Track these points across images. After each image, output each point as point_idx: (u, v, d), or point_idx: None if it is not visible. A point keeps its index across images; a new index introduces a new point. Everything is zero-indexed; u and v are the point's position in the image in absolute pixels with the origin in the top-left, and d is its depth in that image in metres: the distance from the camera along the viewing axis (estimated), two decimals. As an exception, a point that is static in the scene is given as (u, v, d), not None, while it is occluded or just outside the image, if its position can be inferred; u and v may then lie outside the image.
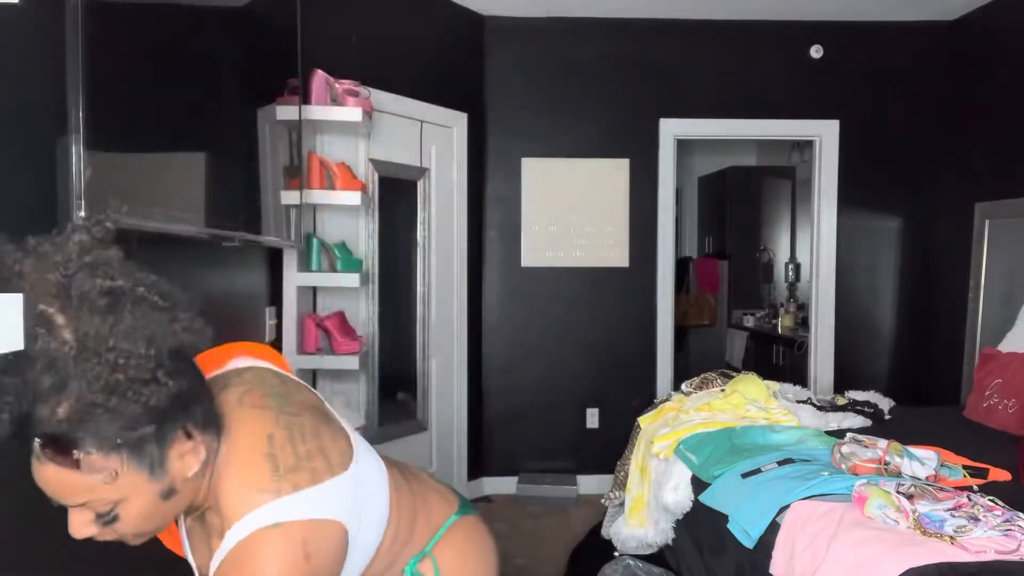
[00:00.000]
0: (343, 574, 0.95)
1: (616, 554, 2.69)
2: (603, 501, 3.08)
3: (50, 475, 0.78)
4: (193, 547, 1.03)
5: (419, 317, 3.73)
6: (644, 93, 4.17)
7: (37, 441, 0.76)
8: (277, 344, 2.79)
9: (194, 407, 0.85)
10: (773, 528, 1.90)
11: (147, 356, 0.77)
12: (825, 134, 4.18)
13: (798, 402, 2.90)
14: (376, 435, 3.45)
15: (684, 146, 5.18)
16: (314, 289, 3.14)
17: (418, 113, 3.62)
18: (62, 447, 0.76)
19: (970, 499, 1.74)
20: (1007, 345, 3.04)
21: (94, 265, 0.76)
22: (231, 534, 0.85)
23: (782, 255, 6.48)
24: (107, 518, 0.82)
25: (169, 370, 0.79)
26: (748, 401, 2.77)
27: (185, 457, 0.85)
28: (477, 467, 4.10)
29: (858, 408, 2.89)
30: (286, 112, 2.45)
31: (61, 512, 0.84)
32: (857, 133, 4.17)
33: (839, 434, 2.48)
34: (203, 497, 0.90)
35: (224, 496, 0.88)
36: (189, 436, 0.85)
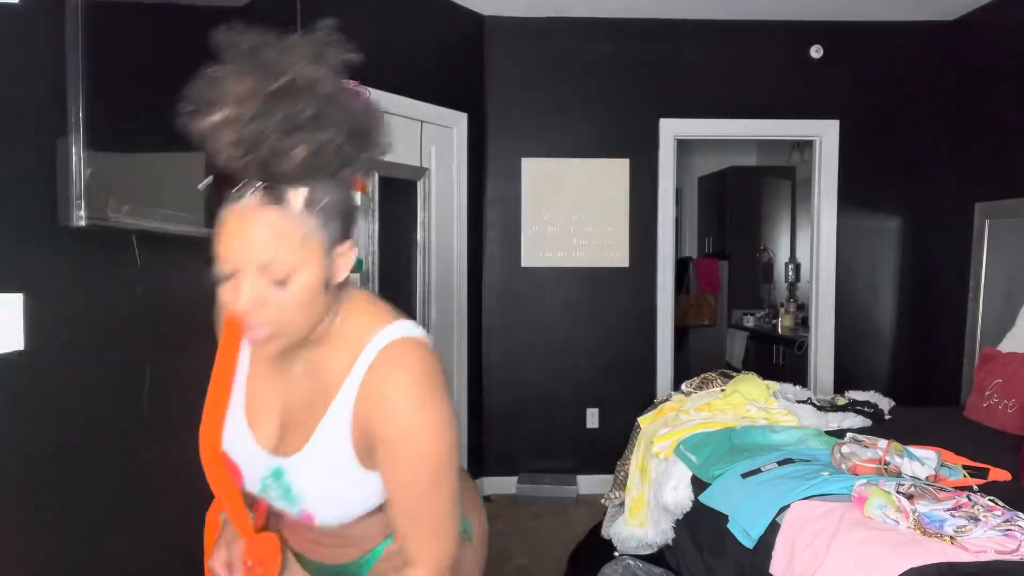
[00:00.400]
0: None
1: (616, 554, 2.69)
2: (603, 501, 3.08)
3: (259, 221, 0.88)
4: (260, 423, 1.05)
5: (419, 317, 3.73)
6: (644, 93, 4.17)
7: (261, 184, 0.88)
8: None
9: (355, 217, 0.99)
10: (773, 528, 1.90)
11: (372, 129, 0.92)
12: (825, 134, 4.18)
13: (798, 402, 2.90)
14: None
15: (684, 146, 5.18)
16: (314, 289, 3.14)
17: (418, 113, 3.62)
18: (286, 187, 0.88)
19: (970, 499, 1.74)
20: (1007, 345, 3.04)
21: (331, 44, 0.90)
22: (371, 345, 0.97)
23: (782, 255, 6.48)
24: (281, 282, 0.89)
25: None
26: (748, 401, 2.77)
27: (343, 257, 0.96)
28: (477, 466, 4.10)
29: (858, 408, 2.89)
30: (286, 112, 2.45)
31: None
32: (857, 133, 4.17)
33: (839, 434, 2.48)
34: (327, 324, 0.99)
35: (354, 322, 1.00)
36: (347, 239, 0.96)
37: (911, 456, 2.06)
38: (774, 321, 5.84)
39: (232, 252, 0.89)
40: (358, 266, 3.00)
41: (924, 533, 1.62)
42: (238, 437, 1.05)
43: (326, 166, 0.88)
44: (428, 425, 0.94)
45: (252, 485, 1.05)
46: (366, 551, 1.10)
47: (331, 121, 0.87)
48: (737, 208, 6.48)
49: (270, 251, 0.88)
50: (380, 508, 1.03)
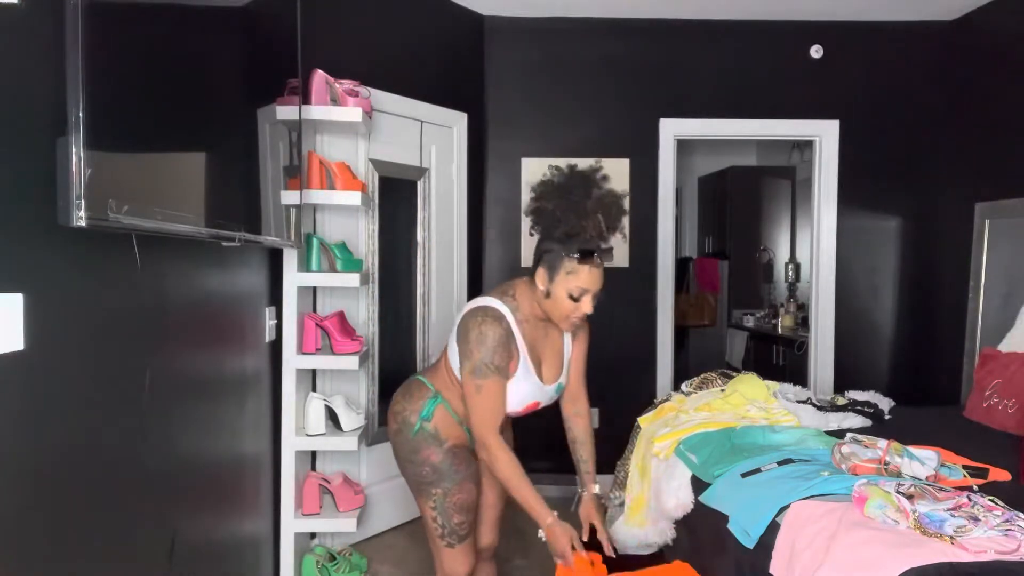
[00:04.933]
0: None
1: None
2: (603, 501, 3.08)
3: (601, 271, 1.97)
4: (537, 349, 2.14)
5: (419, 317, 3.73)
6: (644, 93, 4.17)
7: (597, 256, 1.97)
8: (277, 344, 2.79)
9: None
10: (773, 528, 1.90)
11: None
12: (825, 134, 4.18)
13: (798, 402, 2.89)
14: (376, 435, 3.45)
15: (684, 146, 5.18)
16: (314, 289, 3.14)
17: (418, 113, 3.62)
18: (608, 256, 2.06)
19: (970, 499, 1.74)
20: (1007, 345, 3.04)
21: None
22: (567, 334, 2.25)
23: (782, 255, 6.48)
24: (597, 296, 2.00)
25: None
26: (748, 401, 2.77)
27: None
28: (477, 467, 4.09)
29: (858, 408, 2.89)
30: (286, 112, 2.45)
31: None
32: (857, 133, 4.17)
33: (839, 434, 2.48)
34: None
35: None
36: None
37: (911, 456, 2.06)
38: (774, 321, 5.84)
39: (592, 284, 1.94)
40: (357, 265, 3.00)
41: (924, 533, 1.62)
42: (538, 388, 2.12)
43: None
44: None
45: (545, 400, 2.18)
46: None
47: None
48: (737, 208, 6.48)
49: (601, 283, 2.00)
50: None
